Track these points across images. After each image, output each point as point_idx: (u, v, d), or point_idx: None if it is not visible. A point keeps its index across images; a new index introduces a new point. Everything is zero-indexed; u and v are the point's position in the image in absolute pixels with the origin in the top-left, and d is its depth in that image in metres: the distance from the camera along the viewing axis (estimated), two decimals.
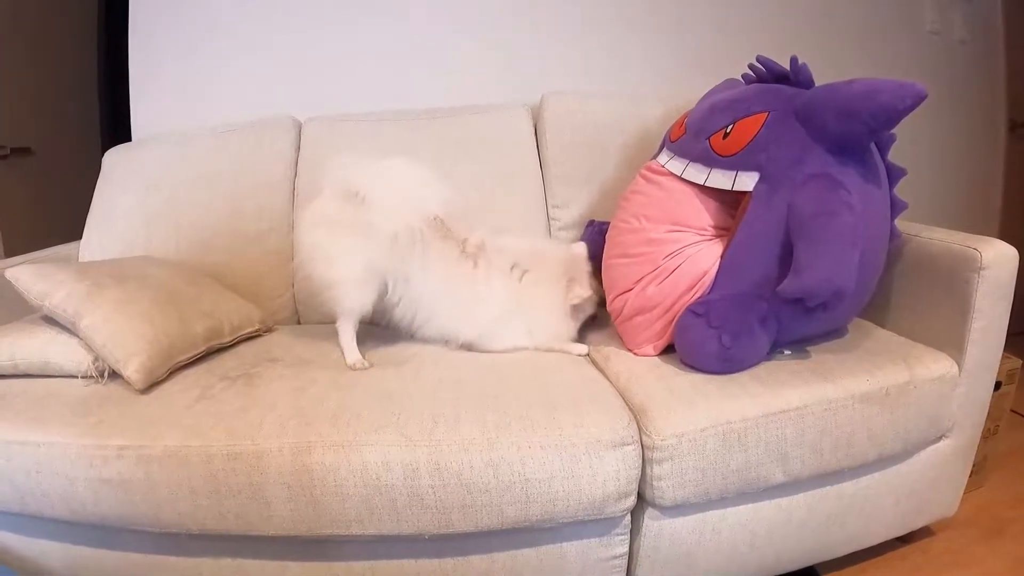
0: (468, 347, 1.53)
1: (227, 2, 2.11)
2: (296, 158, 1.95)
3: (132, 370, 1.30)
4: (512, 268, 1.54)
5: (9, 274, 1.39)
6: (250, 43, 2.14)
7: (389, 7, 2.14)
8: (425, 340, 1.56)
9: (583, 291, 1.53)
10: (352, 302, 1.47)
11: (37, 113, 2.75)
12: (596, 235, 1.71)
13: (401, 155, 1.48)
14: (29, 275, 1.38)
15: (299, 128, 2.00)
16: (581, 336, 1.60)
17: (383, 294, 1.49)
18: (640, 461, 1.18)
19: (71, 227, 2.00)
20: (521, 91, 2.10)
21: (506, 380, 1.32)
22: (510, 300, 1.52)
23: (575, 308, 1.55)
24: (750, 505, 1.29)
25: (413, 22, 2.16)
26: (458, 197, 1.52)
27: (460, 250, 1.52)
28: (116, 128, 2.74)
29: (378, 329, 1.64)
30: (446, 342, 1.54)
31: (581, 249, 1.62)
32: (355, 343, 1.47)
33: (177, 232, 1.86)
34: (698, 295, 1.38)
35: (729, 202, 1.40)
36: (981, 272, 1.33)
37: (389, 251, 1.43)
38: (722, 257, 1.36)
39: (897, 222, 1.46)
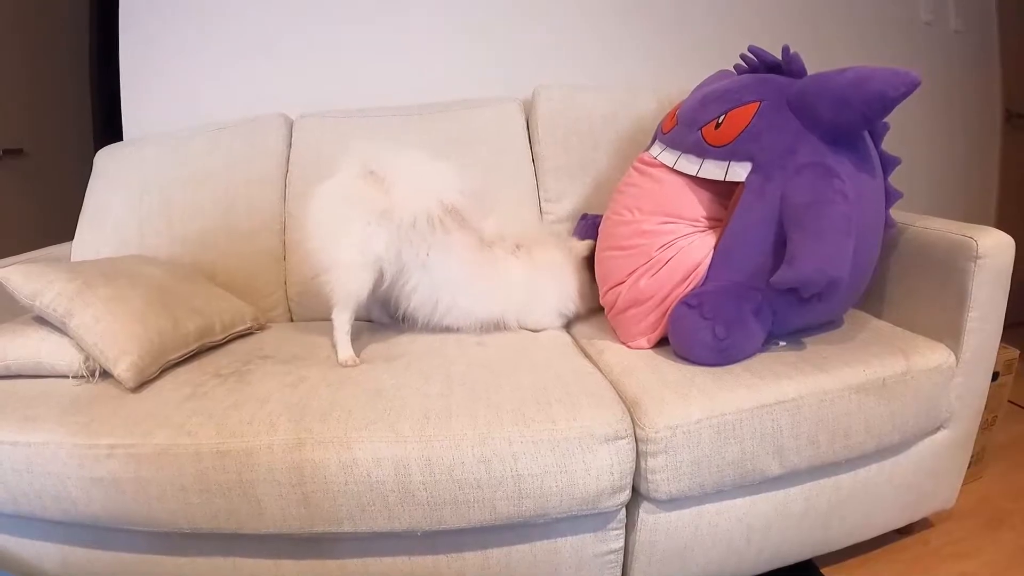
0: (503, 327, 1.60)
1: (217, 2, 2.11)
2: (288, 155, 1.94)
3: (123, 369, 1.30)
4: (517, 248, 1.62)
5: (0, 274, 1.38)
6: (240, 42, 2.13)
7: (379, 4, 2.14)
8: (446, 328, 1.58)
9: (585, 247, 1.65)
10: (351, 287, 1.46)
11: (29, 114, 2.74)
12: (589, 228, 1.71)
13: (417, 149, 1.51)
14: (20, 275, 1.37)
15: (290, 125, 2.00)
16: (572, 326, 1.67)
17: (379, 285, 1.49)
18: (634, 454, 1.17)
19: (63, 228, 1.99)
20: (513, 85, 2.10)
21: (498, 375, 1.31)
22: (530, 278, 1.59)
23: (586, 260, 1.64)
24: (747, 498, 1.28)
25: (404, 18, 2.15)
26: (472, 189, 1.52)
27: (478, 237, 1.55)
28: (108, 129, 2.73)
29: (370, 324, 1.65)
30: (478, 326, 1.58)
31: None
32: (349, 337, 1.46)
33: (170, 230, 1.85)
34: (691, 287, 1.37)
35: (722, 193, 1.39)
36: (978, 261, 1.32)
37: (405, 236, 1.43)
38: (715, 248, 1.36)
39: (892, 212, 1.46)
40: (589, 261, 1.62)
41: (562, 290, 1.63)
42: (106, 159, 2.01)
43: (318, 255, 1.49)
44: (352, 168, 1.47)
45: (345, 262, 1.45)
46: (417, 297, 1.52)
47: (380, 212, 1.41)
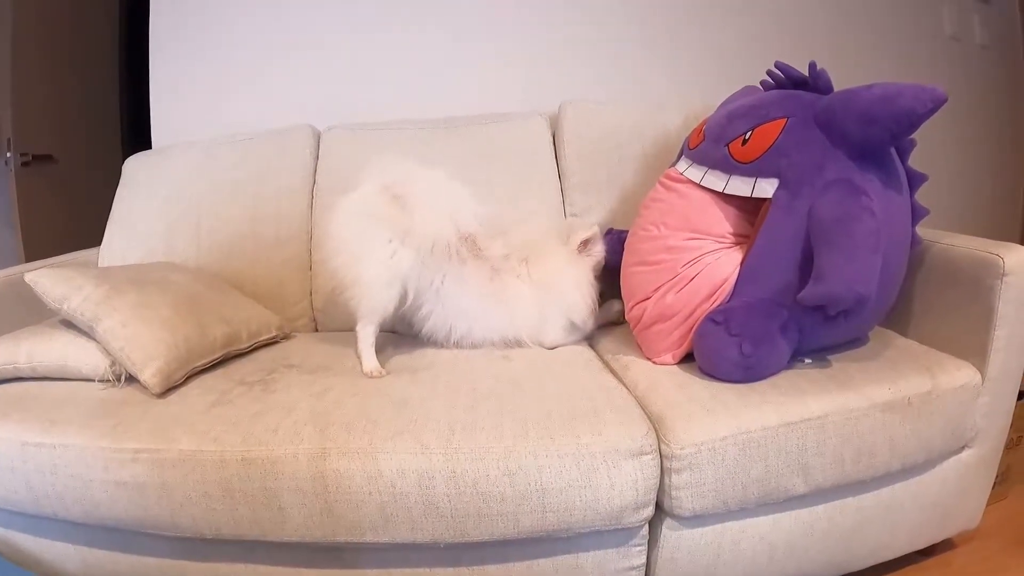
0: (521, 345, 1.57)
1: (246, 12, 2.14)
2: (315, 167, 1.96)
3: (149, 374, 1.31)
4: (524, 263, 1.58)
5: (29, 278, 1.39)
6: (269, 52, 2.16)
7: (406, 18, 2.16)
8: (465, 347, 1.57)
9: (586, 231, 1.60)
10: (375, 302, 1.46)
11: (59, 121, 2.79)
12: (615, 244, 1.70)
13: (440, 168, 1.49)
14: (48, 279, 1.39)
15: (318, 137, 2.01)
16: (596, 342, 1.64)
17: (403, 302, 1.49)
18: (658, 470, 1.16)
19: (91, 233, 2.01)
20: (539, 100, 2.10)
21: (523, 388, 1.31)
22: (535, 297, 1.56)
23: (591, 260, 1.61)
24: (770, 516, 1.27)
25: (431, 32, 2.17)
26: (491, 214, 1.52)
27: (491, 266, 1.54)
28: (136, 137, 2.77)
29: (395, 336, 1.65)
30: (495, 343, 1.57)
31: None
32: (373, 349, 1.46)
33: (197, 239, 1.87)
34: (717, 303, 1.36)
35: (749, 209, 1.39)
36: (1004, 279, 1.30)
37: (422, 260, 1.44)
38: (742, 265, 1.35)
39: (918, 229, 1.44)
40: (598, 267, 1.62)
41: (567, 302, 1.58)
42: (134, 167, 2.03)
43: (343, 271, 1.49)
44: (371, 184, 1.47)
45: (370, 279, 1.45)
46: (430, 323, 1.53)
47: (403, 231, 1.42)
